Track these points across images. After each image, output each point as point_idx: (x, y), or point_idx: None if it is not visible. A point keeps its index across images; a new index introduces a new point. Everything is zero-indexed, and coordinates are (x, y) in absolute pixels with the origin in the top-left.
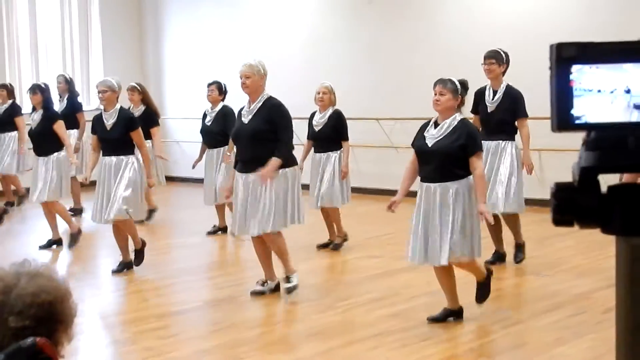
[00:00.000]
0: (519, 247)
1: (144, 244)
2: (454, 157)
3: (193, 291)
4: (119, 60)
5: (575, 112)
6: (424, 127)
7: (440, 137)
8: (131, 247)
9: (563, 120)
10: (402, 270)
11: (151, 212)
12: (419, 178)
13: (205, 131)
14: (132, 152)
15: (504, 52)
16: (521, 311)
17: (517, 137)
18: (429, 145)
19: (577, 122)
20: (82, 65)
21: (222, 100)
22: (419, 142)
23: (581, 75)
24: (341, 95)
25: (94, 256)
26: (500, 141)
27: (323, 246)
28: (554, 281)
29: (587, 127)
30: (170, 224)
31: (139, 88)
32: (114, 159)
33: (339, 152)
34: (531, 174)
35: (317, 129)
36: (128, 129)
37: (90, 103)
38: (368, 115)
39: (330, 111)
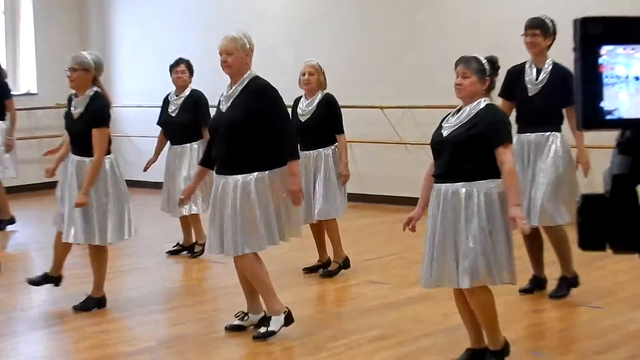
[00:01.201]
0: (565, 282)
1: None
2: (465, 149)
3: (146, 327)
4: (54, 32)
5: (605, 105)
6: (445, 117)
7: (457, 126)
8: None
9: (590, 115)
10: (411, 301)
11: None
12: None
13: (168, 123)
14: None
15: (550, 21)
16: (565, 352)
17: (564, 128)
18: (444, 134)
19: (607, 117)
20: (7, 37)
21: (190, 83)
22: (435, 134)
23: (613, 58)
24: (335, 79)
25: (23, 283)
26: (544, 133)
27: (311, 270)
28: (606, 314)
29: (620, 124)
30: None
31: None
32: (77, 158)
33: (332, 148)
34: (587, 175)
35: (303, 119)
36: (92, 125)
37: (18, 86)
38: (369, 103)
39: (319, 96)
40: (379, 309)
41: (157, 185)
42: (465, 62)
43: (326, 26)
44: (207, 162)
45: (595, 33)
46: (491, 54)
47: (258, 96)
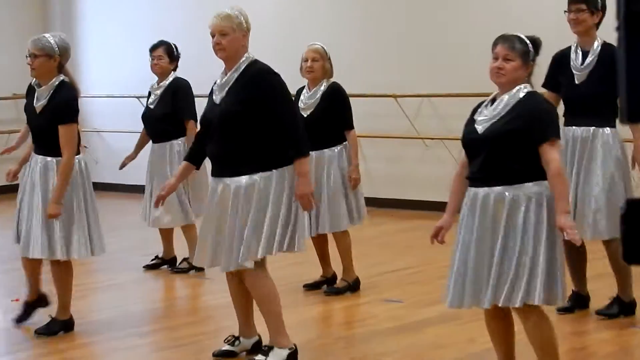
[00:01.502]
0: (619, 303)
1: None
2: (507, 147)
3: (121, 354)
4: (12, 11)
5: None
6: (475, 108)
7: (494, 119)
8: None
9: (636, 106)
10: (430, 322)
11: None
12: None
13: (146, 117)
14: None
15: None
16: None
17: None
18: (479, 131)
19: None
20: None
21: (174, 70)
22: (467, 129)
23: None
24: (339, 63)
25: None
26: (593, 128)
27: (313, 286)
28: None
29: None
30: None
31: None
32: (39, 158)
33: (339, 147)
34: None
35: (305, 113)
36: (56, 121)
37: None
38: (381, 91)
39: (323, 86)
40: (393, 332)
41: (132, 189)
42: (508, 42)
43: (328, 4)
44: (192, 157)
45: None
46: (530, 33)
47: (257, 83)
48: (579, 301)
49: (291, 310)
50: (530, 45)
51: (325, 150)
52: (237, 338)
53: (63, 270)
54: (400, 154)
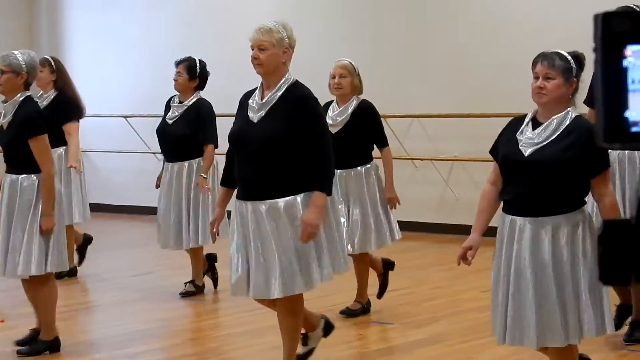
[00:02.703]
0: (638, 326)
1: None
2: (566, 174)
3: None
4: None
5: (631, 115)
6: (513, 125)
7: (546, 142)
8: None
9: (613, 127)
10: (420, 344)
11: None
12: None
13: (163, 132)
14: (33, 169)
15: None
16: None
17: None
18: (525, 153)
19: (634, 129)
20: None
21: (198, 87)
22: (508, 149)
23: None
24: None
25: None
26: (631, 152)
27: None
28: None
29: None
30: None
31: (51, 62)
32: (6, 177)
33: (367, 166)
34: None
35: (334, 129)
36: (25, 135)
37: None
38: None
39: (354, 103)
40: (382, 354)
41: (118, 209)
42: (549, 60)
43: (318, 22)
44: (230, 180)
45: (620, 30)
46: (515, 52)
47: (301, 107)
48: (624, 313)
49: (277, 331)
50: (572, 62)
51: (357, 168)
52: (306, 335)
53: (42, 287)
54: None
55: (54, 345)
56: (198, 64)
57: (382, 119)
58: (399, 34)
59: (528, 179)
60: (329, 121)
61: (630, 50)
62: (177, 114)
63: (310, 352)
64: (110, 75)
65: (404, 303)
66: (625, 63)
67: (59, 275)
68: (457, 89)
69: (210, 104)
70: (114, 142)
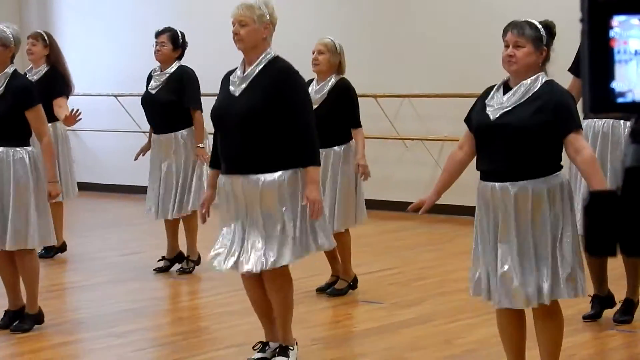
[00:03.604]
0: (631, 305)
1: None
2: (535, 137)
3: (97, 355)
4: None
5: (617, 85)
6: (484, 95)
7: (513, 106)
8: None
9: (599, 97)
10: (408, 324)
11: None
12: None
13: (147, 102)
14: (24, 142)
15: None
16: None
17: None
18: (492, 117)
19: (619, 100)
20: None
21: (179, 58)
22: (477, 115)
23: (626, 30)
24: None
25: None
26: (613, 120)
27: (325, 289)
28: None
29: (634, 108)
30: (63, 254)
31: (44, 37)
32: (3, 151)
33: (344, 146)
34: None
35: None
36: (21, 106)
37: None
38: (361, 91)
39: (332, 82)
40: (371, 333)
41: (108, 188)
42: (518, 29)
43: (308, 1)
44: (218, 163)
45: (606, 1)
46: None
47: (282, 81)
48: (602, 304)
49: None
50: (542, 30)
51: (332, 147)
52: (266, 344)
53: (28, 260)
54: (379, 154)
55: (40, 318)
56: (180, 34)
57: (373, 99)
58: (389, 14)
59: (496, 142)
60: None
61: (616, 20)
62: (159, 82)
63: None
64: (100, 53)
65: (392, 283)
66: (611, 34)
67: (49, 253)
68: (448, 69)
69: (192, 70)
70: (104, 121)
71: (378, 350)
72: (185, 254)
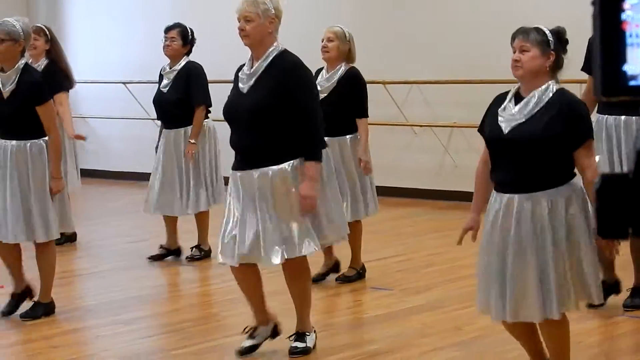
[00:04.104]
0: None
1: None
2: (548, 150)
3: (105, 341)
4: None
5: (629, 68)
6: (497, 102)
7: (525, 119)
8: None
9: (610, 81)
10: (417, 310)
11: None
12: None
13: (158, 101)
14: (40, 134)
15: None
16: None
17: None
18: (505, 130)
19: (631, 83)
20: None
21: (187, 54)
22: (490, 126)
23: (639, 13)
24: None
25: None
26: (627, 117)
27: (319, 279)
28: None
29: None
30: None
31: (46, 32)
32: (11, 144)
33: (352, 135)
34: None
35: (321, 96)
36: (32, 101)
37: None
38: (369, 78)
39: (341, 70)
40: (380, 319)
41: (117, 176)
42: (524, 33)
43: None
44: None
45: None
46: (521, 19)
47: (288, 75)
48: (611, 289)
49: (277, 297)
50: (548, 35)
51: (341, 136)
52: (256, 328)
53: (48, 252)
54: (388, 141)
55: (51, 308)
56: (189, 31)
57: (382, 86)
58: (396, 2)
59: (510, 155)
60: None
61: (628, 3)
62: (169, 80)
63: (307, 350)
64: (109, 41)
65: (402, 269)
66: (623, 16)
67: (59, 241)
68: (456, 55)
69: (200, 65)
70: (113, 109)
71: (387, 336)
72: (197, 243)
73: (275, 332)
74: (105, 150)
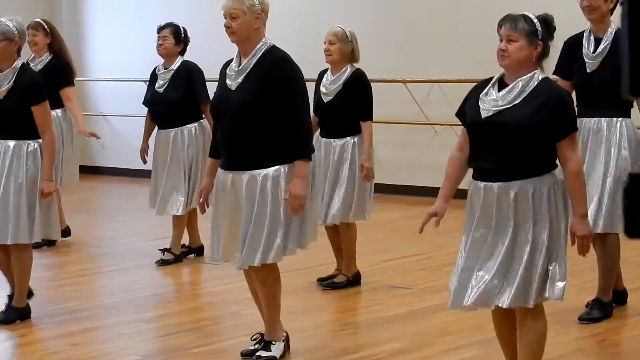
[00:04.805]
0: (621, 296)
1: (29, 294)
2: (532, 137)
3: (127, 339)
4: None
5: None
6: (479, 88)
7: (509, 105)
8: None
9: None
10: (438, 309)
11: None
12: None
13: (156, 102)
14: (35, 135)
15: None
16: None
17: (635, 113)
18: (486, 115)
19: None
20: None
21: (181, 53)
22: (471, 110)
23: None
24: None
25: None
26: (606, 119)
27: (325, 280)
28: None
29: None
30: (93, 240)
31: (45, 26)
32: (9, 144)
33: (357, 137)
34: None
35: (326, 99)
36: (28, 101)
37: None
38: (389, 76)
39: (347, 72)
40: (401, 318)
41: (138, 174)
42: (511, 22)
43: None
44: (217, 152)
45: None
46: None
47: (275, 71)
48: (616, 299)
49: (298, 296)
50: (537, 24)
51: (346, 138)
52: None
53: (24, 255)
54: (409, 139)
55: (26, 313)
56: (182, 29)
57: (403, 84)
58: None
59: (491, 141)
60: (322, 90)
61: None
62: (166, 80)
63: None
64: (132, 39)
65: (423, 268)
66: None
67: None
68: (476, 54)
69: (196, 64)
70: (134, 107)
71: (408, 335)
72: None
73: (261, 345)
74: (125, 148)
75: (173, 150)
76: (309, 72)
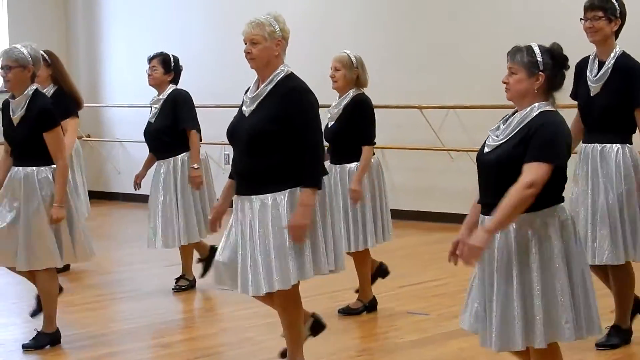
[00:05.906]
0: (619, 331)
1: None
2: (509, 173)
3: None
4: (33, 24)
5: None
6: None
7: (503, 140)
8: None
9: None
10: (455, 335)
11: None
12: None
13: (146, 131)
14: (49, 161)
15: (617, 0)
16: None
17: (636, 138)
18: (485, 151)
19: None
20: None
21: (172, 82)
22: (481, 148)
23: None
24: None
25: None
26: (605, 145)
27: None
28: None
29: None
30: (109, 265)
31: (45, 56)
32: (22, 171)
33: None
34: None
35: (329, 123)
36: (40, 128)
37: None
38: (405, 102)
39: (349, 96)
40: (417, 344)
41: None
42: (512, 54)
43: (352, 11)
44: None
45: None
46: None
47: (289, 100)
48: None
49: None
50: (538, 55)
51: (347, 165)
52: (284, 353)
53: (48, 280)
54: (424, 165)
55: (57, 338)
56: (172, 58)
57: (418, 110)
58: (433, 25)
59: (486, 176)
60: (328, 115)
61: None
62: (156, 109)
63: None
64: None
65: (439, 294)
66: None
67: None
68: (492, 80)
69: (186, 92)
70: None
71: None
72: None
73: (316, 328)
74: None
75: (165, 183)
76: (328, 98)
